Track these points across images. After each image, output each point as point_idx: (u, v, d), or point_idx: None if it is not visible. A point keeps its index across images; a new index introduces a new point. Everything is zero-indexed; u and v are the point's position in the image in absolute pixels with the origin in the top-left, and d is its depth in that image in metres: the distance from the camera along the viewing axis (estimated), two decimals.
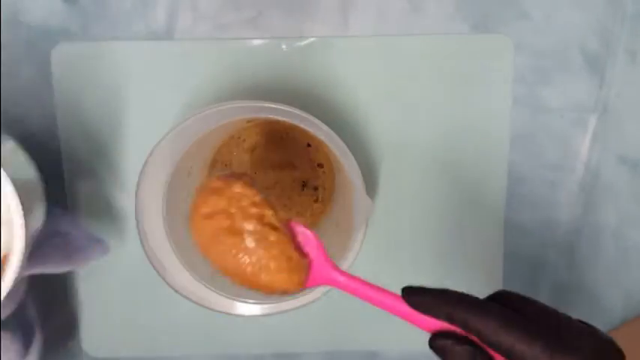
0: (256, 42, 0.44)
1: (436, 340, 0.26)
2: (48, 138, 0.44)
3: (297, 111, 0.36)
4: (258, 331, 0.47)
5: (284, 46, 0.44)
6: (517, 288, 0.47)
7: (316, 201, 0.45)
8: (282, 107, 0.36)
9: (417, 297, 0.27)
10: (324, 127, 0.36)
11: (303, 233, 0.30)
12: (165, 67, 0.44)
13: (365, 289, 0.29)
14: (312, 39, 0.43)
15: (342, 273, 0.29)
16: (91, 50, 0.43)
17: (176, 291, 0.39)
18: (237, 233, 0.30)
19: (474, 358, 0.26)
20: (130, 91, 0.44)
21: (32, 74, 0.44)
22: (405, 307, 0.27)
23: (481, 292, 0.46)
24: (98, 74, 0.44)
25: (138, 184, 0.37)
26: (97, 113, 0.44)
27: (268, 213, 0.30)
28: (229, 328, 0.47)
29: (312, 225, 0.45)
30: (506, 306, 0.27)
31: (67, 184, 0.45)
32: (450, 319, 0.26)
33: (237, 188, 0.30)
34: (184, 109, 0.44)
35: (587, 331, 0.27)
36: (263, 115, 0.37)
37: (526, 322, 0.26)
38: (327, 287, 0.38)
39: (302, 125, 0.36)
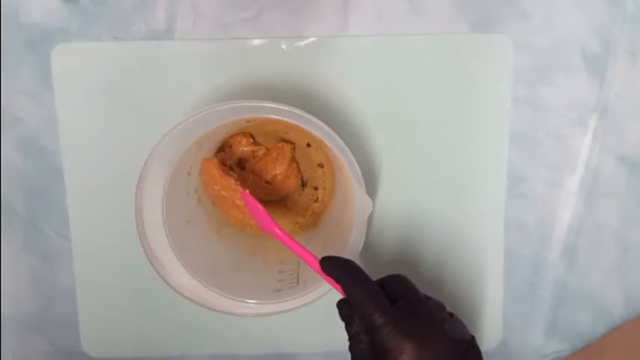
0: (256, 42, 0.44)
1: (339, 304, 0.36)
2: (48, 138, 0.45)
3: (297, 111, 0.36)
4: (258, 331, 0.47)
5: (284, 46, 0.44)
6: (517, 288, 0.47)
7: (316, 201, 0.45)
8: (282, 107, 0.36)
9: (325, 263, 0.35)
10: (324, 127, 0.36)
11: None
12: (165, 67, 0.44)
13: (292, 245, 0.37)
14: (312, 39, 0.43)
15: (280, 228, 0.38)
16: (91, 50, 0.43)
17: (176, 291, 0.39)
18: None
19: (343, 309, 0.35)
20: (130, 91, 0.44)
21: (32, 74, 0.44)
22: (317, 266, 0.36)
23: (481, 291, 0.47)
24: (98, 74, 0.44)
25: (138, 184, 0.37)
26: (97, 113, 0.44)
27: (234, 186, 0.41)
28: (229, 328, 0.47)
29: (312, 225, 0.45)
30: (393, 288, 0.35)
31: (67, 183, 0.45)
32: (337, 281, 0.35)
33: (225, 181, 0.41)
34: (184, 109, 0.44)
35: (440, 330, 0.33)
36: (263, 115, 0.37)
37: (374, 291, 0.34)
38: (327, 288, 0.38)
39: (302, 125, 0.36)
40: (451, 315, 0.35)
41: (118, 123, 0.44)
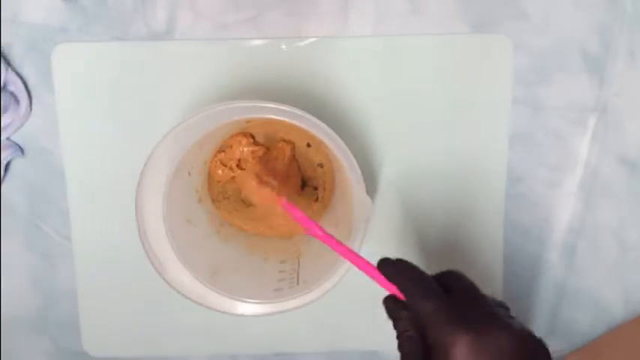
0: (256, 42, 0.44)
1: (385, 299, 0.33)
2: (48, 138, 0.45)
3: (297, 111, 0.36)
4: (258, 331, 0.47)
5: (284, 46, 0.44)
6: (517, 288, 0.47)
7: (316, 201, 0.45)
8: (282, 107, 0.36)
9: (386, 267, 0.34)
10: (324, 127, 0.36)
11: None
12: (165, 67, 0.44)
13: (340, 248, 0.35)
14: (312, 39, 0.44)
15: (322, 230, 0.37)
16: (91, 50, 0.44)
17: (176, 291, 0.39)
18: None
19: (396, 311, 0.33)
20: (130, 91, 0.44)
21: (32, 74, 0.44)
22: (372, 271, 0.34)
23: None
24: (98, 74, 0.44)
25: (138, 184, 0.37)
26: (97, 113, 0.44)
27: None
28: (229, 328, 0.47)
29: None
30: (451, 285, 0.33)
31: (68, 183, 0.45)
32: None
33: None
34: (184, 109, 0.44)
35: (504, 323, 0.30)
36: (263, 115, 0.37)
37: (431, 287, 0.32)
38: (327, 288, 0.38)
39: (302, 125, 0.36)
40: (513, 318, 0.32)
41: (118, 123, 0.44)
